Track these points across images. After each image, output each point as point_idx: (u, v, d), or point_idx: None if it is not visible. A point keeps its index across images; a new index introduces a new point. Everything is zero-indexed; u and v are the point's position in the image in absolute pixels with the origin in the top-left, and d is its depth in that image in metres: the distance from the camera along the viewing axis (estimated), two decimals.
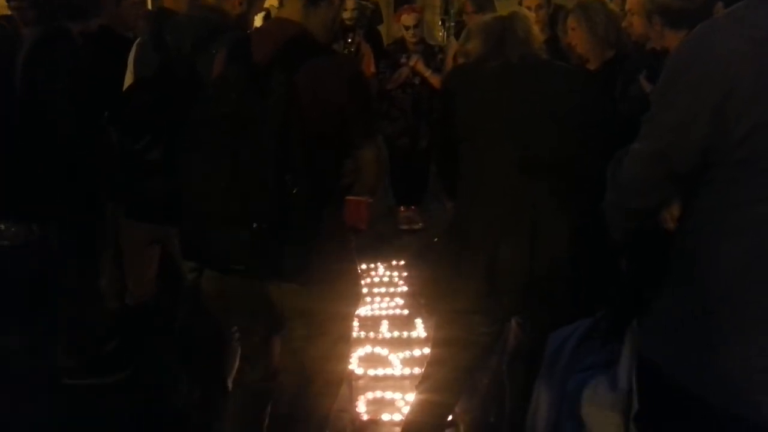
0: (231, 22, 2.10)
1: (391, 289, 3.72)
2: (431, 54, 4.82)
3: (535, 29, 2.04)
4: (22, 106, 2.53)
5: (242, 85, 1.59)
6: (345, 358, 2.02)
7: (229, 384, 2.18)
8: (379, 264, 4.02)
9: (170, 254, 2.31)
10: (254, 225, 1.56)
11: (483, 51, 1.96)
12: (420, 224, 4.95)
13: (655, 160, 1.02)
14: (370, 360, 2.96)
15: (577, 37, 2.86)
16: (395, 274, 3.93)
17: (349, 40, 4.67)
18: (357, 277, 1.93)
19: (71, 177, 2.47)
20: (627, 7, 2.71)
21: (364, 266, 3.90)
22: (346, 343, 1.96)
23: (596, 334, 1.45)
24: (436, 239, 2.27)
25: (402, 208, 5.05)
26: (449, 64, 4.36)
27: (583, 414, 1.37)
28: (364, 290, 3.59)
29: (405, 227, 4.94)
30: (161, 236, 2.33)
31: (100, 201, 2.60)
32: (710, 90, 0.89)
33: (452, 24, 7.86)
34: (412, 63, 4.62)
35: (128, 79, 2.29)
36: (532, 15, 3.15)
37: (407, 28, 4.68)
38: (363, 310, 3.38)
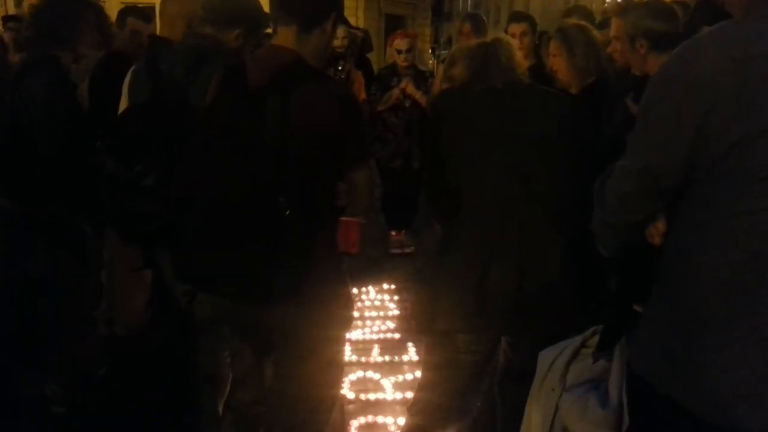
0: (225, 50, 2.14)
1: (383, 313, 3.72)
2: (422, 78, 4.92)
3: (518, 55, 2.10)
4: (10, 130, 2.54)
5: (237, 109, 1.62)
6: (336, 382, 2.02)
7: (221, 408, 2.16)
8: (370, 288, 4.02)
9: (162, 281, 2.30)
10: (247, 247, 1.58)
11: (467, 76, 2.01)
12: (411, 248, 4.97)
13: (640, 177, 1.05)
14: (362, 384, 2.94)
15: (557, 62, 2.93)
16: (387, 297, 3.93)
17: (340, 68, 4.74)
18: (349, 300, 1.94)
19: (52, 199, 2.46)
20: (612, 33, 2.77)
21: (355, 290, 3.90)
22: (337, 366, 1.96)
23: (586, 351, 1.47)
24: (426, 261, 2.30)
25: (393, 233, 5.07)
26: (437, 88, 4.44)
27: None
28: (356, 314, 3.60)
29: (396, 251, 4.96)
30: (155, 261, 2.32)
31: (84, 225, 2.59)
32: (692, 108, 0.92)
33: (442, 52, 8.02)
34: (403, 85, 4.70)
35: (123, 106, 2.32)
36: (515, 42, 3.25)
37: (400, 52, 4.77)
38: (354, 334, 3.37)
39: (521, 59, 2.12)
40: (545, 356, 1.54)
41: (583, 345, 1.48)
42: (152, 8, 3.83)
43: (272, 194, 1.57)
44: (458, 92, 2.05)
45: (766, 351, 0.98)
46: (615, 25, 2.58)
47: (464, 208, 1.99)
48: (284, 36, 1.69)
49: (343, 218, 1.90)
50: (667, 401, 1.09)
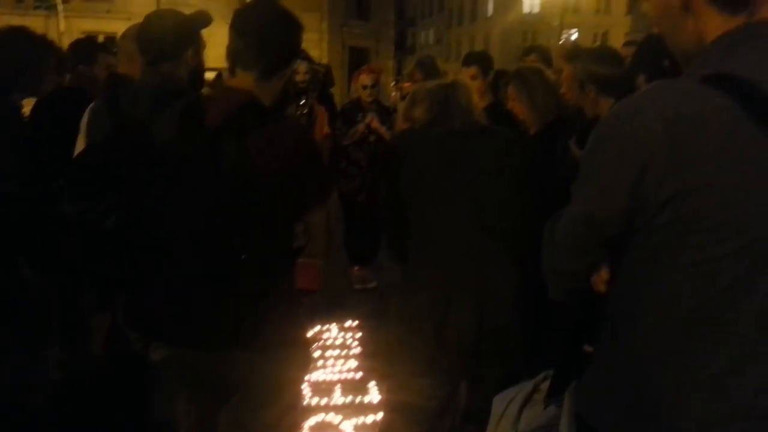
0: (184, 87, 2.13)
1: (345, 352, 3.68)
2: (386, 113, 4.99)
3: (475, 98, 2.17)
4: None
5: (192, 150, 1.61)
6: (295, 427, 1.98)
7: None
8: (332, 325, 3.98)
9: (118, 325, 2.24)
10: (202, 293, 1.55)
11: (428, 118, 2.07)
12: (374, 283, 4.96)
13: (584, 225, 1.08)
14: (322, 428, 2.88)
15: (517, 105, 3.02)
16: (349, 335, 3.89)
17: (302, 102, 4.77)
18: (307, 342, 1.91)
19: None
20: (563, 76, 2.88)
21: (317, 328, 3.86)
22: (296, 411, 1.93)
23: (538, 396, 1.48)
24: (389, 298, 2.30)
25: (356, 268, 5.06)
26: (399, 124, 4.51)
27: None
28: (317, 353, 3.56)
29: (359, 287, 4.94)
30: (112, 303, 2.26)
31: (38, 266, 2.51)
32: (629, 163, 0.97)
33: (404, 84, 8.16)
34: (368, 120, 4.76)
35: (80, 145, 2.27)
36: (471, 83, 3.35)
37: (365, 87, 4.84)
38: (315, 375, 3.32)
39: (477, 101, 2.20)
40: (499, 401, 1.54)
41: (534, 390, 1.49)
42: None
43: (228, 237, 1.56)
44: (419, 133, 2.10)
45: (712, 396, 1.00)
46: (565, 70, 2.68)
47: (424, 247, 2.02)
48: (243, 79, 1.70)
49: (301, 260, 1.89)
50: None
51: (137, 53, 2.32)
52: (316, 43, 21.74)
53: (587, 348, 1.34)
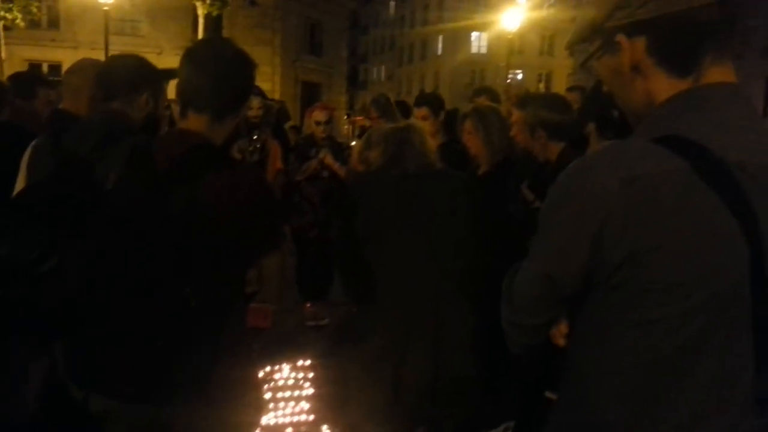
0: (135, 127, 2.08)
1: (297, 393, 3.58)
2: (339, 149, 5.01)
3: (429, 141, 2.20)
4: None
5: (140, 195, 1.55)
6: None
7: None
8: (283, 365, 3.88)
9: (56, 374, 2.11)
10: (148, 343, 1.49)
11: (383, 160, 2.09)
12: (326, 320, 4.89)
13: (542, 282, 1.09)
14: None
15: (472, 140, 3.09)
16: (301, 375, 3.79)
17: (255, 137, 4.74)
18: (258, 385, 1.85)
19: None
20: (512, 119, 2.96)
21: (267, 368, 3.75)
22: None
23: None
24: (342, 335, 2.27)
25: (308, 304, 4.98)
26: (354, 162, 4.54)
27: None
28: (268, 395, 3.45)
29: (311, 324, 4.86)
30: (49, 352, 2.13)
31: None
32: (586, 221, 0.98)
33: (356, 118, 8.27)
34: (321, 156, 4.76)
35: (20, 183, 2.17)
36: (423, 123, 3.42)
37: (318, 123, 4.86)
38: (266, 418, 3.21)
39: (432, 144, 2.23)
40: None
41: None
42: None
43: (176, 285, 1.50)
44: (374, 176, 2.11)
45: None
46: (515, 115, 2.76)
47: (380, 289, 2.00)
48: (195, 121, 1.65)
49: (253, 305, 1.84)
50: None
51: (83, 89, 2.26)
52: (269, 77, 21.79)
53: (549, 395, 1.34)
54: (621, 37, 1.03)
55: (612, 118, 1.91)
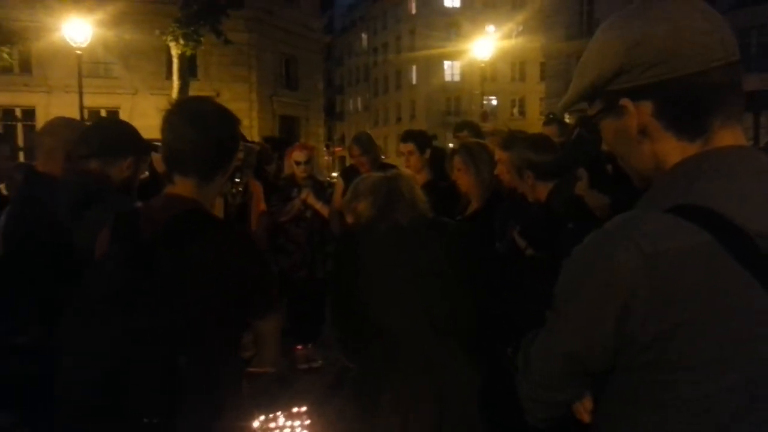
0: (113, 188, 1.99)
1: None
2: (320, 188, 4.96)
3: (418, 190, 2.14)
4: None
5: (129, 265, 1.48)
6: None
7: None
8: (278, 413, 3.75)
9: None
10: (140, 419, 1.39)
11: (372, 212, 2.02)
12: (320, 362, 4.77)
13: (565, 360, 1.03)
14: None
15: (462, 178, 3.04)
16: (297, 423, 3.67)
17: (237, 180, 4.67)
18: None
19: None
20: (497, 158, 2.90)
21: (262, 418, 3.62)
22: None
23: None
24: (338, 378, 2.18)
25: (299, 347, 4.87)
26: (337, 200, 4.49)
27: None
28: None
29: (304, 366, 4.74)
30: (32, 422, 2.02)
31: None
32: (610, 300, 0.92)
33: (336, 149, 8.28)
34: (303, 196, 4.70)
35: None
36: (409, 158, 3.37)
37: (298, 163, 4.81)
38: None
39: (421, 193, 2.16)
40: None
41: None
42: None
43: (170, 355, 1.42)
44: (364, 230, 2.04)
45: None
46: (499, 155, 2.70)
47: (377, 350, 1.93)
48: (182, 186, 1.58)
49: (250, 369, 1.76)
50: None
51: (57, 149, 2.18)
52: (246, 113, 21.81)
53: None
54: (626, 101, 0.99)
55: (606, 172, 1.88)
